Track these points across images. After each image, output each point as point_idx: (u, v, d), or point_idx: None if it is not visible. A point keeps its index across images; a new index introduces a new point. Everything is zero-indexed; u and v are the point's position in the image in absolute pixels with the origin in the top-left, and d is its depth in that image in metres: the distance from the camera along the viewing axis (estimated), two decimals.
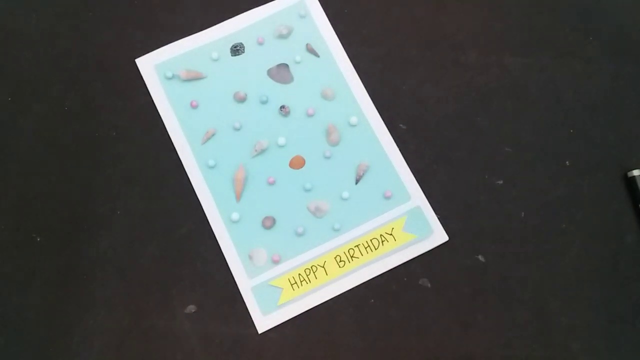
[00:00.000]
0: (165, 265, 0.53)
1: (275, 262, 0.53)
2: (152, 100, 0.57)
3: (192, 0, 0.60)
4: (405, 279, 0.53)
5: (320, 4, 0.60)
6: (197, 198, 0.55)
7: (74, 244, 0.54)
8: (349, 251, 0.53)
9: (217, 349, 0.51)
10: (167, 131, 0.56)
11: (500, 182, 0.55)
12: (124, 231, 0.54)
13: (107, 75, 0.58)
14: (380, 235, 0.54)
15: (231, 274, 0.53)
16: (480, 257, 0.53)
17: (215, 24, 0.59)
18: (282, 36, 0.58)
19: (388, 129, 0.57)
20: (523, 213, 0.55)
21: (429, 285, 0.53)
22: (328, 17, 0.60)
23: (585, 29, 0.60)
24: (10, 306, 0.52)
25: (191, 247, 0.54)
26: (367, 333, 0.51)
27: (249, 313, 0.52)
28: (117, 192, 0.55)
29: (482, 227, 0.54)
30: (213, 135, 0.56)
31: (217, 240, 0.54)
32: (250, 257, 0.53)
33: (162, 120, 0.57)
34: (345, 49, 0.59)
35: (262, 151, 0.56)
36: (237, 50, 0.58)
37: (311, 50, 0.58)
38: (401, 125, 0.57)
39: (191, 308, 0.52)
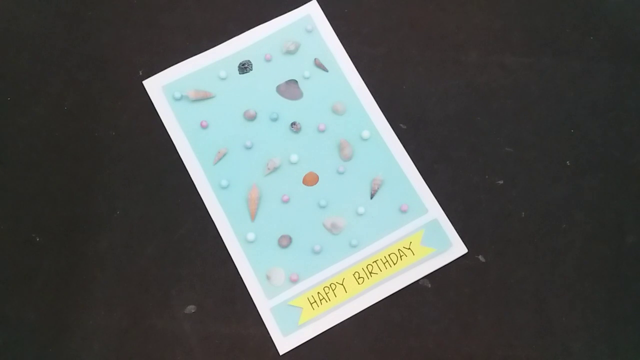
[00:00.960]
0: (165, 265, 0.53)
1: (294, 281, 0.52)
2: (151, 100, 0.57)
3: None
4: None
5: (320, 4, 0.60)
6: (197, 198, 0.55)
7: (74, 244, 0.54)
8: (367, 267, 0.53)
9: (217, 349, 0.51)
10: (177, 151, 0.56)
11: (501, 182, 0.55)
12: (124, 231, 0.54)
13: (107, 75, 0.58)
14: (399, 249, 0.53)
15: (248, 294, 0.52)
16: (480, 257, 0.53)
17: (221, 43, 0.58)
18: (289, 52, 0.58)
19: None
20: (523, 213, 0.55)
21: (429, 285, 0.53)
22: (328, 17, 0.59)
23: (585, 29, 0.60)
24: (10, 306, 0.52)
25: (191, 247, 0.53)
26: (367, 333, 0.51)
27: (269, 334, 0.51)
28: (116, 192, 0.55)
29: (482, 227, 0.54)
30: (224, 155, 0.56)
31: (215, 245, 0.54)
32: (268, 278, 0.52)
33: (161, 121, 0.57)
34: (345, 48, 0.59)
35: (275, 169, 0.55)
36: (244, 68, 0.57)
37: (319, 65, 0.58)
38: (401, 125, 0.57)
39: (191, 308, 0.52)
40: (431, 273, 0.53)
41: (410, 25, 0.60)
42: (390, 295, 0.52)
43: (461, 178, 0.55)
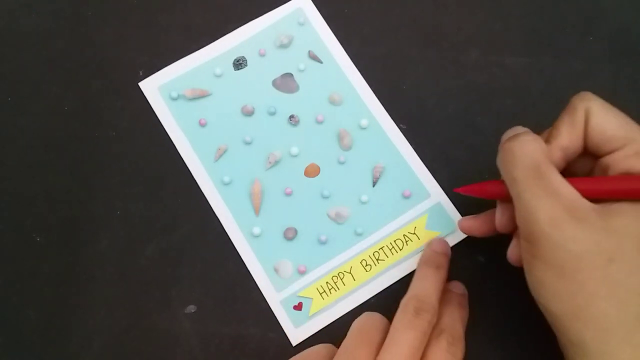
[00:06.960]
0: (165, 265, 0.53)
1: (302, 272, 0.52)
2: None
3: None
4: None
5: (320, 4, 0.60)
6: (197, 197, 0.55)
7: (74, 244, 0.54)
8: (374, 254, 0.53)
9: (217, 349, 0.51)
10: (177, 151, 0.56)
11: None
12: (124, 231, 0.54)
13: (107, 75, 0.58)
14: (404, 235, 0.53)
15: (258, 288, 0.52)
16: (480, 257, 0.53)
17: (214, 40, 0.58)
18: (283, 46, 0.58)
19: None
20: None
21: None
22: (328, 17, 0.59)
23: (585, 29, 0.60)
24: (10, 306, 0.52)
25: (191, 246, 0.54)
26: None
27: (280, 326, 0.51)
28: (116, 192, 0.55)
29: None
30: (225, 151, 0.56)
31: (215, 242, 0.54)
32: (276, 270, 0.53)
33: (160, 122, 0.57)
34: (345, 49, 0.59)
35: (276, 163, 0.55)
36: (239, 64, 0.57)
37: (314, 57, 0.58)
38: (401, 125, 0.57)
39: (191, 308, 0.52)
40: None
41: (410, 25, 0.60)
42: (398, 281, 0.52)
43: (461, 178, 0.55)
